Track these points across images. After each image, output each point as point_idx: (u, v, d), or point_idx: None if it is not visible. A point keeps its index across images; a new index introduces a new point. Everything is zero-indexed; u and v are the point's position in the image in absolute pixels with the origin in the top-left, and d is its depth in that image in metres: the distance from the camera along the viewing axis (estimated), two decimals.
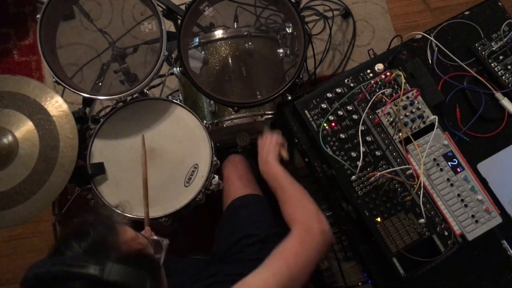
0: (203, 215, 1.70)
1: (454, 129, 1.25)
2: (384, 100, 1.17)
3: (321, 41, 2.04)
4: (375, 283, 1.20)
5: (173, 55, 1.38)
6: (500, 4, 1.35)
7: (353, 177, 1.13)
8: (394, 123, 1.16)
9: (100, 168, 1.22)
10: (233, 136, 1.49)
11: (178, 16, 1.48)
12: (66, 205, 1.49)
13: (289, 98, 1.34)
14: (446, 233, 1.11)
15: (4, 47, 1.99)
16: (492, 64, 1.27)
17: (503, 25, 1.30)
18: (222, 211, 1.34)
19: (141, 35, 1.96)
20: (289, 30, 1.42)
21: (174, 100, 1.31)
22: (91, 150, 1.25)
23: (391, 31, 2.10)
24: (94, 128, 1.28)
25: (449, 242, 1.09)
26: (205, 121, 1.30)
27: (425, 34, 1.30)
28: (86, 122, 1.31)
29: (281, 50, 1.43)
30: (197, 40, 1.38)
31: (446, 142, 1.15)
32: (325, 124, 1.17)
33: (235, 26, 1.57)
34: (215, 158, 1.27)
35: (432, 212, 1.12)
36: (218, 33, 1.37)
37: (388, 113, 1.17)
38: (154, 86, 1.64)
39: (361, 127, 1.15)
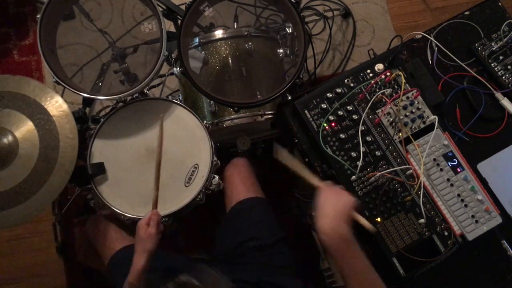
0: (203, 215, 1.70)
1: (454, 129, 1.25)
2: (384, 100, 1.17)
3: (321, 41, 2.04)
4: None
5: (173, 55, 1.38)
6: (500, 4, 1.35)
7: (353, 177, 1.13)
8: (394, 123, 1.16)
9: (100, 168, 1.22)
10: (233, 136, 1.49)
11: (178, 16, 1.48)
12: (66, 205, 1.49)
13: (289, 98, 1.34)
14: (446, 233, 1.11)
15: (4, 47, 1.99)
16: (492, 64, 1.27)
17: (503, 25, 1.30)
18: (224, 212, 1.34)
19: (141, 35, 1.96)
20: (289, 30, 1.42)
21: (174, 100, 1.31)
22: (91, 150, 1.25)
23: (391, 31, 2.10)
24: (94, 128, 1.28)
25: (449, 242, 1.10)
26: (205, 121, 1.30)
27: (425, 34, 1.30)
28: (86, 122, 1.31)
29: (281, 50, 1.43)
30: (197, 40, 1.38)
31: (446, 142, 1.15)
32: (325, 124, 1.17)
33: (235, 26, 1.57)
34: (215, 158, 1.27)
35: (432, 212, 1.12)
36: (218, 33, 1.37)
37: (388, 113, 1.17)
38: (154, 86, 1.64)
39: (361, 127, 1.15)
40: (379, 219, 1.11)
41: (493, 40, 1.29)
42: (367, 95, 1.19)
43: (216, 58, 1.36)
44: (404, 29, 2.10)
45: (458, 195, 1.13)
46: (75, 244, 1.76)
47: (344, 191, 0.92)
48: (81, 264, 1.73)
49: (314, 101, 1.19)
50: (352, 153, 1.15)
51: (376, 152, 1.15)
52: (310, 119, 1.18)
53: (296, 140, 1.25)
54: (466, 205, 1.12)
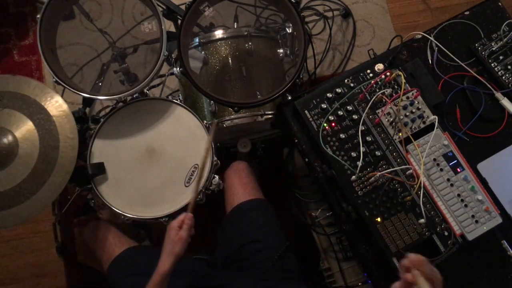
0: (203, 215, 1.70)
1: (454, 129, 1.25)
2: (384, 100, 1.17)
3: (321, 41, 2.04)
4: (375, 283, 1.20)
5: (173, 55, 1.38)
6: (500, 4, 1.35)
7: (353, 177, 1.13)
8: (394, 123, 1.16)
9: (100, 168, 1.22)
10: (234, 136, 1.49)
11: (178, 16, 1.48)
12: (66, 205, 1.49)
13: (289, 98, 1.34)
14: (446, 233, 1.11)
15: (4, 47, 1.98)
16: (492, 64, 1.27)
17: (503, 25, 1.30)
18: (224, 214, 1.33)
19: (141, 35, 1.96)
20: (289, 30, 1.42)
21: (174, 100, 1.31)
22: (91, 150, 1.24)
23: (391, 31, 2.10)
24: (94, 128, 1.28)
25: (449, 242, 1.10)
26: (205, 121, 1.30)
27: (425, 34, 1.30)
28: (86, 122, 1.31)
29: (281, 50, 1.43)
30: (197, 40, 1.38)
31: (446, 142, 1.15)
32: (325, 124, 1.17)
33: (235, 26, 1.57)
34: (215, 158, 1.27)
35: (432, 212, 1.12)
36: (218, 33, 1.37)
37: (388, 113, 1.17)
38: (154, 86, 1.64)
39: (361, 127, 1.15)
40: (379, 219, 1.11)
41: (493, 40, 1.29)
42: (367, 95, 1.19)
43: (216, 58, 1.36)
44: (404, 29, 2.10)
45: (458, 195, 1.13)
46: (75, 244, 1.76)
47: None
48: (81, 264, 1.73)
49: (314, 101, 1.19)
50: (352, 153, 1.15)
51: (376, 152, 1.15)
52: (310, 119, 1.18)
53: (296, 140, 1.25)
54: (466, 205, 1.12)
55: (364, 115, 1.16)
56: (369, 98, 1.18)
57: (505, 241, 1.17)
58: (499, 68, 1.27)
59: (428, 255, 1.08)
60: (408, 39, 1.32)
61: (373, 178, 1.13)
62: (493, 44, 1.29)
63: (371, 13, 2.11)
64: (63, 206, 1.59)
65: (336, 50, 2.06)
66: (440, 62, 1.30)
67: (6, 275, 1.78)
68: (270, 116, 1.37)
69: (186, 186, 1.23)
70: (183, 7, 1.33)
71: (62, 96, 1.12)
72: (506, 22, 1.30)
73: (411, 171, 1.12)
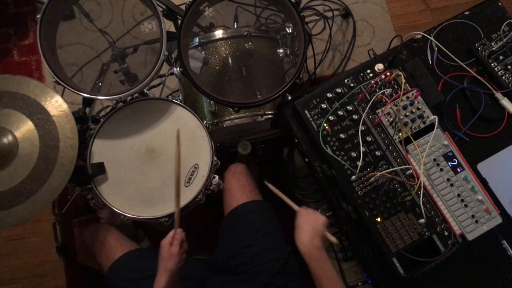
0: (203, 215, 1.71)
1: (454, 129, 1.25)
2: (384, 100, 1.17)
3: (321, 41, 2.04)
4: (375, 283, 1.20)
5: (173, 55, 1.38)
6: (500, 4, 1.35)
7: (353, 177, 1.13)
8: (394, 123, 1.16)
9: (100, 168, 1.22)
10: (234, 136, 1.48)
11: (178, 16, 1.48)
12: (66, 205, 1.49)
13: (289, 98, 1.34)
14: (446, 233, 1.11)
15: (4, 47, 1.99)
16: (492, 64, 1.27)
17: (503, 25, 1.30)
18: (223, 218, 1.33)
19: (141, 35, 1.95)
20: (289, 30, 1.42)
21: (174, 100, 1.31)
22: (91, 150, 1.24)
23: (391, 31, 2.10)
24: (94, 128, 1.28)
25: (449, 242, 1.10)
26: (205, 121, 1.30)
27: (425, 34, 1.30)
28: (86, 122, 1.31)
29: (281, 50, 1.43)
30: (197, 40, 1.38)
31: (446, 142, 1.15)
32: (325, 124, 1.17)
33: (235, 26, 1.57)
34: (215, 158, 1.27)
35: (432, 212, 1.12)
36: (218, 33, 1.37)
37: (388, 113, 1.17)
38: (154, 86, 1.64)
39: (361, 127, 1.15)
40: (379, 219, 1.11)
41: (493, 40, 1.29)
42: (367, 95, 1.19)
43: (216, 58, 1.36)
44: (404, 29, 2.10)
45: (458, 195, 1.13)
46: (75, 244, 1.76)
47: (317, 213, 1.10)
48: (81, 264, 1.73)
49: (314, 101, 1.19)
50: (352, 153, 1.15)
51: (376, 152, 1.15)
52: (310, 119, 1.18)
53: (296, 140, 1.25)
54: (466, 205, 1.12)
55: (364, 115, 1.16)
56: (369, 98, 1.18)
57: (505, 241, 1.17)
58: (499, 68, 1.27)
59: (428, 255, 1.08)
60: (408, 39, 1.32)
61: (373, 178, 1.13)
62: (493, 44, 1.29)
63: (371, 13, 2.11)
64: (63, 206, 1.59)
65: (336, 50, 2.06)
66: (440, 62, 1.30)
67: (6, 275, 1.78)
68: (270, 116, 1.37)
69: (186, 186, 1.23)
70: (183, 7, 1.33)
71: (62, 96, 1.12)
72: (506, 22, 1.30)
73: (411, 171, 1.12)
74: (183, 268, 1.05)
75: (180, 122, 1.29)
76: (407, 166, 1.14)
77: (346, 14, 2.07)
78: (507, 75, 1.26)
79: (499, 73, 1.27)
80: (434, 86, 1.24)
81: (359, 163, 1.12)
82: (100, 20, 1.98)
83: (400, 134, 1.16)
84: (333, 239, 1.06)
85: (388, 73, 1.18)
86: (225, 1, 1.38)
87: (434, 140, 1.15)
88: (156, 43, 1.82)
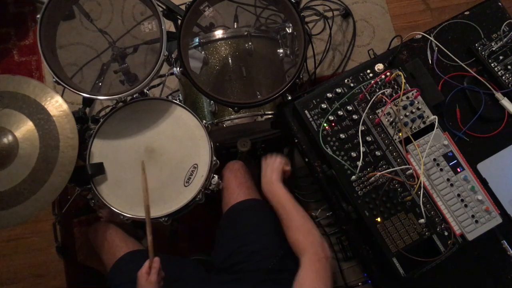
0: (203, 215, 1.70)
1: (454, 129, 1.25)
2: (384, 100, 1.17)
3: (321, 41, 2.04)
4: (375, 283, 1.20)
5: (173, 55, 1.38)
6: (500, 4, 1.35)
7: (353, 177, 1.13)
8: (394, 123, 1.16)
9: (100, 168, 1.22)
10: (233, 136, 1.48)
11: (178, 16, 1.48)
12: (66, 205, 1.49)
13: (289, 98, 1.34)
14: (446, 233, 1.11)
15: (4, 47, 1.98)
16: (492, 64, 1.27)
17: (503, 25, 1.30)
18: (222, 216, 1.33)
19: (141, 35, 1.95)
20: (289, 30, 1.42)
21: (174, 100, 1.31)
22: (91, 150, 1.24)
23: (391, 31, 2.10)
24: (94, 128, 1.28)
25: (449, 242, 1.09)
26: (204, 121, 1.30)
27: (425, 34, 1.30)
28: (86, 122, 1.31)
29: (281, 50, 1.43)
30: (197, 40, 1.38)
31: (446, 142, 1.15)
32: (325, 124, 1.17)
33: (235, 26, 1.57)
34: (214, 158, 1.27)
35: (432, 212, 1.12)
36: (218, 33, 1.37)
37: (388, 113, 1.17)
38: (154, 86, 1.64)
39: (361, 127, 1.15)
40: (379, 219, 1.11)
41: (493, 40, 1.29)
42: (367, 95, 1.19)
43: (216, 58, 1.36)
44: (404, 29, 2.10)
45: (458, 195, 1.13)
46: (75, 244, 1.76)
47: (275, 154, 1.22)
48: (81, 264, 1.73)
49: (314, 101, 1.19)
50: (352, 153, 1.15)
51: (376, 152, 1.15)
52: (310, 119, 1.18)
53: (296, 140, 1.25)
54: (466, 205, 1.12)
55: (364, 115, 1.16)
56: (369, 98, 1.18)
57: (505, 241, 1.17)
58: (499, 68, 1.27)
59: (428, 255, 1.08)
60: (408, 39, 1.32)
61: (373, 178, 1.13)
62: (493, 44, 1.29)
63: (371, 13, 2.11)
64: (63, 206, 1.59)
65: (336, 50, 2.06)
66: (440, 62, 1.30)
67: (6, 275, 1.78)
68: (270, 116, 1.37)
69: (185, 186, 1.23)
70: (183, 7, 1.33)
71: (62, 96, 1.12)
72: (506, 22, 1.30)
73: (411, 171, 1.12)
74: (182, 269, 1.06)
75: (179, 122, 1.29)
76: (407, 166, 1.14)
77: (346, 14, 2.07)
78: (507, 75, 1.26)
79: (499, 73, 1.27)
80: (434, 86, 1.24)
81: (359, 163, 1.12)
82: (100, 20, 1.98)
83: (400, 134, 1.16)
84: (287, 167, 1.20)
85: (388, 73, 1.18)
86: (225, 1, 1.38)
87: (434, 140, 1.15)
88: (156, 43, 1.82)
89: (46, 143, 1.07)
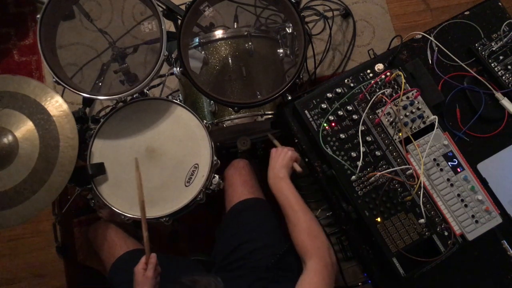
0: (204, 215, 1.70)
1: (454, 129, 1.25)
2: (384, 100, 1.17)
3: (321, 41, 2.04)
4: (375, 283, 1.20)
5: (173, 55, 1.38)
6: (500, 4, 1.35)
7: (353, 177, 1.13)
8: (394, 123, 1.16)
9: (100, 168, 1.22)
10: (233, 136, 1.48)
11: (178, 16, 1.48)
12: (66, 205, 1.49)
13: (289, 98, 1.34)
14: (446, 233, 1.11)
15: (4, 47, 1.98)
16: (492, 64, 1.27)
17: (503, 25, 1.30)
18: (224, 213, 1.33)
19: (141, 35, 1.95)
20: (289, 30, 1.42)
21: (174, 100, 1.31)
22: (91, 150, 1.25)
23: (391, 31, 2.10)
24: (94, 128, 1.28)
25: (449, 242, 1.10)
26: (205, 121, 1.30)
27: (425, 34, 1.30)
28: (86, 122, 1.31)
29: (281, 50, 1.43)
30: (197, 40, 1.38)
31: (446, 142, 1.15)
32: (325, 124, 1.17)
33: (235, 26, 1.57)
34: (215, 158, 1.27)
35: (432, 212, 1.12)
36: (218, 33, 1.37)
37: (388, 113, 1.17)
38: (154, 86, 1.64)
39: (361, 127, 1.15)
40: (379, 219, 1.11)
41: (493, 40, 1.29)
42: (367, 95, 1.19)
43: (216, 58, 1.36)
44: (404, 29, 2.10)
45: (458, 195, 1.13)
46: (75, 244, 1.76)
47: (286, 148, 1.19)
48: (81, 264, 1.73)
49: (314, 101, 1.19)
50: (352, 153, 1.15)
51: (376, 152, 1.15)
52: (310, 119, 1.18)
53: (296, 140, 1.25)
54: (466, 205, 1.12)
55: (364, 115, 1.16)
56: (369, 98, 1.18)
57: (505, 241, 1.17)
58: (499, 68, 1.27)
59: (428, 255, 1.08)
60: (408, 39, 1.32)
61: (373, 178, 1.13)
62: (493, 44, 1.29)
63: (371, 13, 2.11)
64: (63, 206, 1.59)
65: (336, 50, 2.06)
66: (440, 62, 1.30)
67: (6, 275, 1.78)
68: (270, 116, 1.37)
69: (186, 186, 1.23)
70: (183, 7, 1.33)
71: (62, 96, 1.12)
72: (506, 22, 1.30)
73: (411, 171, 1.12)
74: (182, 269, 1.05)
75: (180, 122, 1.29)
76: (407, 166, 1.14)
77: (346, 14, 2.07)
78: (507, 75, 1.26)
79: (499, 73, 1.27)
80: (434, 86, 1.24)
81: (359, 163, 1.12)
82: (100, 20, 1.98)
83: (400, 134, 1.16)
84: (298, 168, 1.15)
85: (388, 73, 1.18)
86: (225, 1, 1.38)
87: (434, 140, 1.15)
88: (156, 43, 1.82)
89: (46, 143, 1.07)
